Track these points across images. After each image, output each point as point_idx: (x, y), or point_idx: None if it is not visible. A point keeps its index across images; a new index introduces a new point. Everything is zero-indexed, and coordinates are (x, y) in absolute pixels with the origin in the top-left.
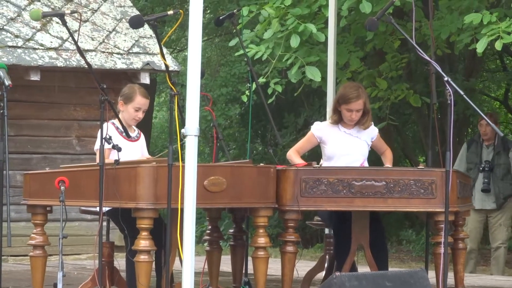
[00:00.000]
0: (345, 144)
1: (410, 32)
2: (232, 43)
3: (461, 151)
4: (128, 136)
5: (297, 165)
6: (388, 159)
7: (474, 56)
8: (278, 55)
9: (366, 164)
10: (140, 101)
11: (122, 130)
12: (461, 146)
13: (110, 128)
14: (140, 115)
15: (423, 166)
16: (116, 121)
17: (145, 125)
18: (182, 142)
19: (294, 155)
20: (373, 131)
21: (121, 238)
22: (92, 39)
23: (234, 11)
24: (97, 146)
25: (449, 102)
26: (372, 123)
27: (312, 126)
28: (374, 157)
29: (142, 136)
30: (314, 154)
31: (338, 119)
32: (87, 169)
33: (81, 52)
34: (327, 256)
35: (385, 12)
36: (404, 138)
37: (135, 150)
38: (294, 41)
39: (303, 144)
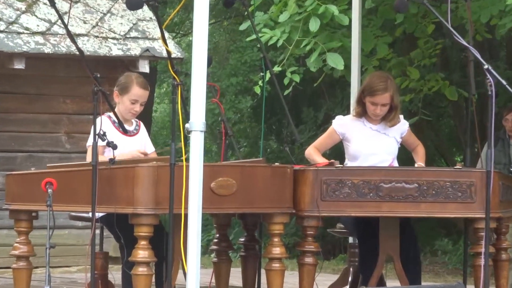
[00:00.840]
0: (371, 142)
1: (445, 15)
2: (243, 26)
3: (483, 151)
4: (125, 131)
5: (317, 165)
6: (420, 156)
7: None
8: (296, 40)
9: (395, 164)
10: (138, 92)
11: (119, 124)
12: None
13: (105, 122)
14: (138, 108)
15: (460, 166)
16: (112, 114)
17: (144, 120)
18: (186, 139)
19: (314, 152)
20: (402, 126)
21: (116, 248)
22: (84, 22)
23: None
24: (89, 143)
25: (489, 93)
26: (402, 116)
27: (333, 121)
28: (404, 156)
29: (143, 128)
30: (337, 151)
31: (362, 112)
32: (78, 169)
33: (72, 37)
34: (351, 269)
35: None
36: (438, 134)
37: (134, 146)
38: (314, 25)
39: (323, 140)
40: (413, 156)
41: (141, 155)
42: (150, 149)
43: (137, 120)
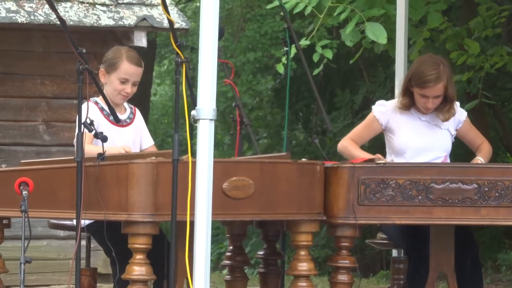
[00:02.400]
0: (421, 136)
1: None
2: None
3: None
4: (116, 121)
5: (353, 161)
6: (483, 153)
7: None
8: (327, 7)
9: (448, 161)
10: (128, 68)
11: (109, 112)
12: None
13: (91, 110)
14: (129, 89)
15: None
16: (100, 100)
17: (141, 105)
18: (192, 129)
19: (350, 145)
20: (458, 116)
21: (107, 263)
22: None
23: None
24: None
25: None
26: (458, 104)
27: (374, 107)
28: (460, 151)
29: (139, 116)
30: (379, 142)
31: (410, 104)
32: (59, 166)
33: (51, 2)
34: None
35: None
36: (503, 122)
37: (127, 138)
38: None
39: (361, 131)
40: (476, 154)
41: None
42: (147, 142)
43: (132, 106)
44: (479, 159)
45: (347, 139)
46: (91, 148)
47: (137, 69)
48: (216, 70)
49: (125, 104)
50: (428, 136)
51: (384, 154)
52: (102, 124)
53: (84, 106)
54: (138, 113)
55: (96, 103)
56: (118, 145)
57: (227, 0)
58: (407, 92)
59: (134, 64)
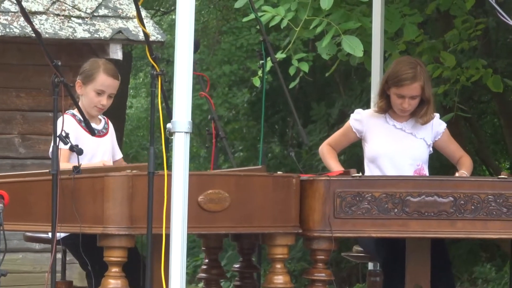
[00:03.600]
0: (392, 142)
1: None
2: (239, 3)
3: None
4: (92, 132)
5: (329, 174)
6: (465, 166)
7: None
8: (304, 20)
9: (426, 173)
10: (105, 81)
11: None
12: None
13: (69, 122)
14: (104, 101)
15: (506, 175)
16: (76, 112)
17: (116, 117)
18: (167, 142)
19: (328, 153)
20: (437, 127)
21: (82, 276)
22: None
23: None
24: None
25: None
26: (437, 115)
27: (351, 115)
28: (437, 163)
29: (111, 126)
30: (355, 157)
31: (386, 107)
32: (34, 179)
33: (26, 15)
34: None
35: None
36: (479, 135)
37: (104, 149)
38: (326, 1)
39: (338, 138)
40: (458, 168)
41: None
42: (118, 154)
43: (105, 117)
44: (463, 172)
45: (326, 145)
46: (67, 166)
47: (113, 81)
48: (192, 82)
49: (100, 116)
50: (400, 143)
51: (360, 168)
52: (81, 136)
53: (59, 120)
54: (110, 124)
55: (74, 115)
56: (99, 155)
57: (203, 13)
58: (384, 94)
59: (111, 76)
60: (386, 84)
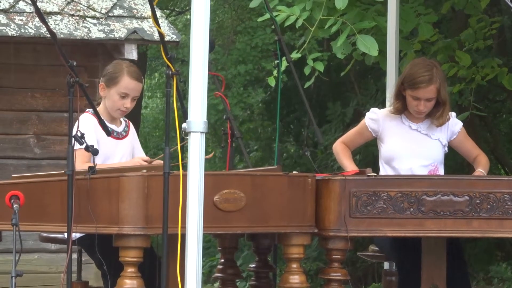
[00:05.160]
0: (408, 143)
1: None
2: (254, 3)
3: None
4: (107, 133)
5: (344, 173)
6: (482, 165)
7: None
8: (319, 19)
9: (441, 173)
10: (129, 84)
11: (107, 125)
12: None
13: (89, 120)
14: (128, 104)
15: None
16: (98, 111)
17: (131, 117)
18: (183, 142)
19: (342, 152)
20: (453, 127)
21: (98, 276)
22: None
23: None
24: (76, 146)
25: None
26: (453, 114)
27: (367, 114)
28: (452, 162)
29: (132, 128)
30: (370, 156)
31: (402, 108)
32: (50, 179)
33: (41, 15)
34: None
35: None
36: (495, 134)
37: (123, 151)
38: (341, 1)
39: (353, 136)
40: (474, 167)
41: (144, 163)
42: (139, 154)
43: (126, 119)
44: (481, 172)
45: (340, 143)
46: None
47: (137, 84)
48: (207, 82)
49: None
50: (415, 143)
51: (375, 167)
52: (101, 135)
53: (82, 117)
54: (131, 126)
55: (95, 114)
56: (116, 157)
57: (218, 13)
58: (400, 96)
59: (135, 79)
60: (402, 86)
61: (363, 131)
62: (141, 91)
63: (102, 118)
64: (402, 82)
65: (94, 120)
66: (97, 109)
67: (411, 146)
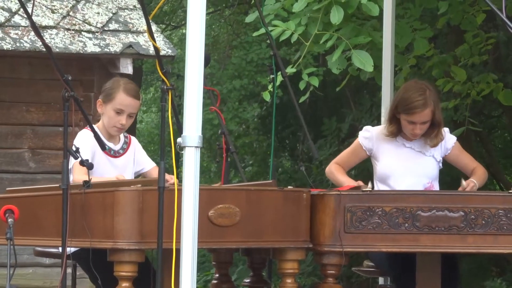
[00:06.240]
0: (403, 161)
1: (499, 2)
2: (250, 18)
3: None
4: (103, 148)
5: (339, 189)
6: (477, 175)
7: None
8: (314, 34)
9: (436, 189)
10: (124, 100)
11: (104, 142)
12: None
13: (88, 136)
14: (124, 120)
15: None
16: (96, 127)
17: (126, 132)
18: (178, 157)
19: (336, 171)
20: (446, 143)
21: None
22: (53, 11)
23: None
24: (72, 161)
25: None
26: (447, 130)
27: (360, 133)
28: (448, 178)
29: (133, 143)
30: (365, 172)
31: (397, 131)
32: (44, 193)
33: (37, 29)
34: None
35: None
36: (490, 150)
37: (119, 168)
38: (336, 16)
39: (347, 156)
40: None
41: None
42: (148, 165)
43: (127, 135)
44: (472, 181)
45: (333, 164)
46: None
47: (133, 100)
48: (202, 97)
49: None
50: (410, 162)
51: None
52: (97, 153)
53: (81, 132)
54: (133, 142)
55: (93, 131)
56: (111, 175)
57: (214, 27)
58: (394, 119)
59: (131, 96)
60: (396, 110)
61: (357, 151)
62: (137, 108)
63: (101, 135)
64: (396, 106)
65: (92, 137)
66: (96, 125)
67: (406, 164)
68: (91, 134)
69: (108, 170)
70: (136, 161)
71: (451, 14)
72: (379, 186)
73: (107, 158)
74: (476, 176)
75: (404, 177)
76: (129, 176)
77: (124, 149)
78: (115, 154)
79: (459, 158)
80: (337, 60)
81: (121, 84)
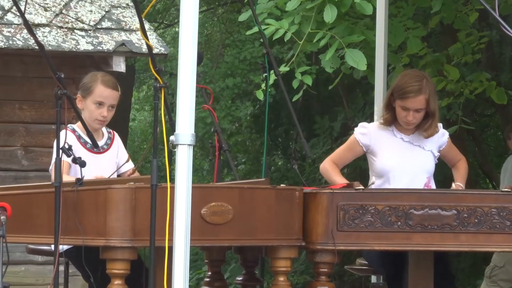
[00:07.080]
0: (402, 157)
1: (492, 1)
2: (243, 17)
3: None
4: (96, 147)
5: (332, 187)
6: (460, 174)
7: None
8: (307, 33)
9: (432, 185)
10: (103, 91)
11: (86, 140)
12: None
13: (68, 137)
14: (105, 112)
15: (509, 188)
16: (77, 127)
17: (119, 130)
18: (171, 155)
19: (330, 169)
20: (441, 137)
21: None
22: (45, 9)
23: None
24: (54, 160)
25: None
26: (441, 125)
27: (356, 129)
28: (440, 176)
29: (116, 140)
30: (358, 170)
31: (392, 119)
32: (37, 191)
33: (30, 27)
34: None
35: None
36: (482, 149)
37: (104, 164)
38: (329, 14)
39: (343, 153)
40: (453, 173)
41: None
42: (127, 165)
43: (110, 130)
44: (459, 185)
45: (328, 161)
46: (67, 179)
47: (112, 92)
48: (195, 95)
49: (104, 129)
50: (410, 157)
51: (364, 180)
52: (79, 152)
53: (62, 133)
54: (116, 137)
55: (74, 130)
56: (94, 172)
57: (206, 26)
58: (390, 106)
59: (109, 87)
60: (392, 97)
61: (353, 147)
62: (117, 99)
63: (82, 133)
64: (392, 93)
65: (72, 136)
66: (76, 124)
67: (407, 159)
68: (71, 134)
69: (93, 166)
70: (119, 157)
71: (444, 13)
72: (377, 181)
73: (91, 155)
74: (460, 176)
75: (403, 172)
76: (110, 173)
77: (108, 144)
78: (99, 150)
79: (449, 152)
80: (330, 58)
81: (98, 77)
